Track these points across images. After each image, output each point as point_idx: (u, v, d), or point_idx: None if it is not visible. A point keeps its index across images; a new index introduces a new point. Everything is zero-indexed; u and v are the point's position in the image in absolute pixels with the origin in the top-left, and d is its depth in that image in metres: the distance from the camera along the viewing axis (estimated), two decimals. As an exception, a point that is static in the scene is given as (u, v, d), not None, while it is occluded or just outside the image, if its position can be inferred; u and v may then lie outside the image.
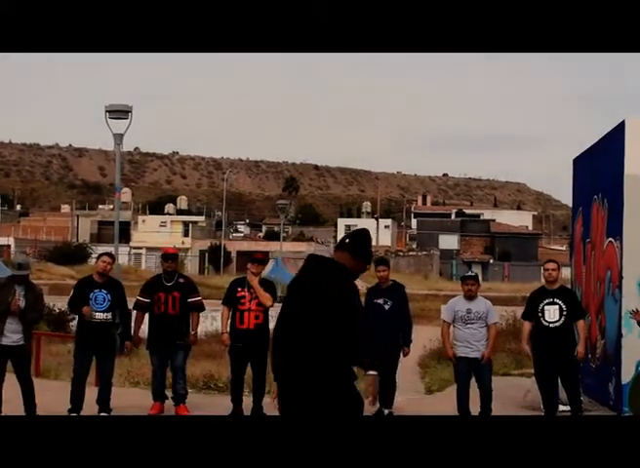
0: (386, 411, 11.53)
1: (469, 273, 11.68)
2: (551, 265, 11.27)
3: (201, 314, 11.93)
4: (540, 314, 11.01)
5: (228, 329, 11.41)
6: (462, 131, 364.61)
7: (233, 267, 70.99)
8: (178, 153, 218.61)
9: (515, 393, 13.06)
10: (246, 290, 11.33)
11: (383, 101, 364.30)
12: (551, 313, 10.94)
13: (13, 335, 10.37)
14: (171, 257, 11.74)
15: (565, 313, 10.90)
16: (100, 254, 11.67)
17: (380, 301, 11.58)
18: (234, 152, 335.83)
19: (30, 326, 10.72)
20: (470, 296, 11.11)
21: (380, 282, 11.81)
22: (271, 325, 13.39)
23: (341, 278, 5.85)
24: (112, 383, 11.26)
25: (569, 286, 14.96)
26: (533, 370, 11.75)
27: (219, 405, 11.65)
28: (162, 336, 11.28)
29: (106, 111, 19.89)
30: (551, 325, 10.91)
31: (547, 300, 11.02)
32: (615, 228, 12.54)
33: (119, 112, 19.87)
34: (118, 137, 19.87)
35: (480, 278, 11.77)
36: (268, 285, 11.72)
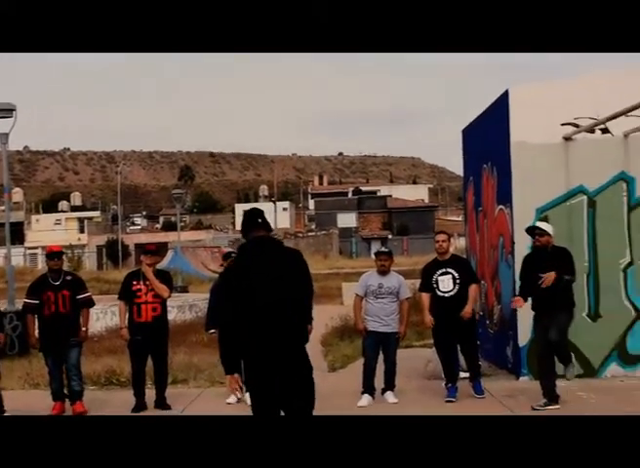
0: None
1: (383, 249, 11.72)
2: (441, 237, 11.39)
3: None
4: (435, 285, 11.16)
5: (127, 323, 11.25)
6: (355, 109, 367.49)
7: (132, 261, 70.18)
8: (69, 149, 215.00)
9: (417, 364, 13.21)
10: (141, 282, 11.19)
11: (275, 86, 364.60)
12: (445, 283, 11.09)
13: None
14: (56, 255, 11.41)
15: (458, 282, 11.05)
16: None
17: None
18: (127, 144, 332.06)
19: None
20: (383, 272, 11.17)
21: None
22: (170, 316, 13.40)
23: None
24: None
25: (464, 255, 15.18)
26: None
27: (121, 399, 11.50)
28: (55, 336, 11.01)
29: (-11, 111, 19.44)
30: (446, 294, 11.07)
31: (440, 271, 11.17)
32: (504, 195, 12.76)
33: (3, 111, 19.50)
34: (3, 137, 19.54)
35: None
36: (164, 276, 11.59)
